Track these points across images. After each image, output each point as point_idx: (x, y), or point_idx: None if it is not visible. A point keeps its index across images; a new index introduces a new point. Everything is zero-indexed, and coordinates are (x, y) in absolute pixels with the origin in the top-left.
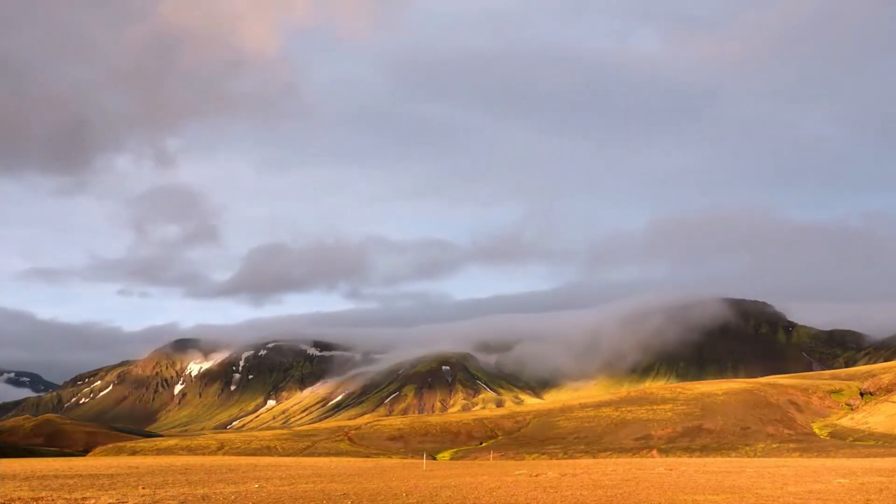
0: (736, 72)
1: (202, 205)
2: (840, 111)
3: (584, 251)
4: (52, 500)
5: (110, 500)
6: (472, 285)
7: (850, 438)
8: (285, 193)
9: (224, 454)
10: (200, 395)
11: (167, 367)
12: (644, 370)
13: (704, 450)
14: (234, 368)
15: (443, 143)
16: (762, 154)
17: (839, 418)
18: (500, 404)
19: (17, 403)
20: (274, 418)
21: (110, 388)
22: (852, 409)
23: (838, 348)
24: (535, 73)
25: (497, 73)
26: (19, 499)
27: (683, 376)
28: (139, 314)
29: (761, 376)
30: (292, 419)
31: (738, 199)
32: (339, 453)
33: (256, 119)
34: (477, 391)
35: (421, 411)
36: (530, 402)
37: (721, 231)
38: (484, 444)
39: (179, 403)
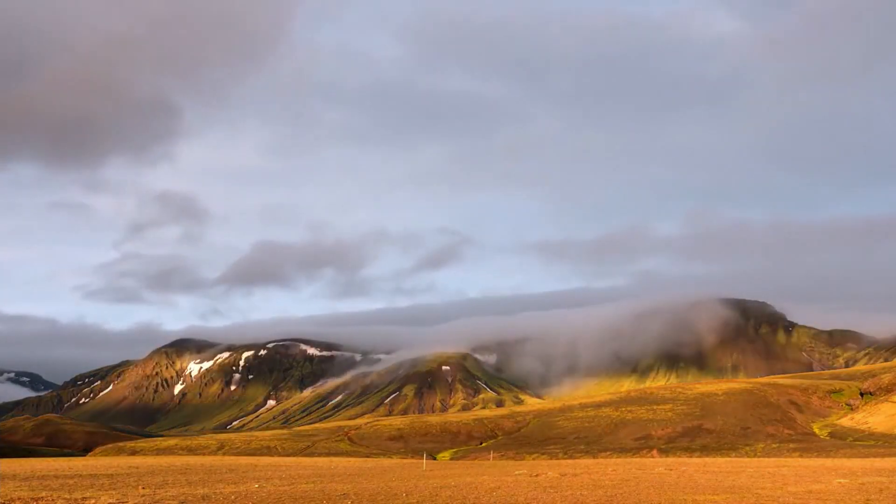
0: (763, 54)
1: (201, 197)
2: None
3: (586, 249)
4: (52, 500)
5: (110, 500)
6: (475, 282)
7: (850, 438)
8: (287, 180)
9: (224, 454)
10: (200, 395)
11: (167, 367)
12: (644, 370)
13: (704, 450)
14: (234, 368)
15: (459, 122)
16: (772, 148)
17: (839, 418)
18: (500, 404)
19: (17, 403)
20: (274, 418)
21: (110, 388)
22: (852, 409)
23: (838, 348)
24: (561, 46)
25: (520, 45)
26: (19, 499)
27: (683, 376)
28: (140, 314)
29: (761, 376)
30: (292, 419)
31: (752, 199)
32: (339, 453)
33: (257, 97)
34: (477, 391)
35: (421, 411)
36: (530, 401)
37: (735, 237)
38: (484, 444)
39: (179, 403)
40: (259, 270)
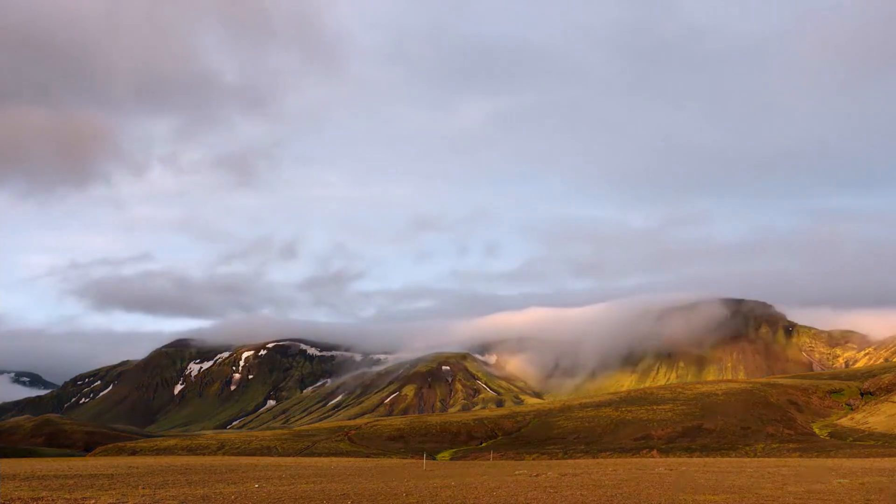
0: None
1: (200, 188)
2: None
3: (598, 243)
4: (52, 500)
5: (110, 500)
6: (476, 278)
7: (850, 438)
8: (290, 154)
9: (224, 454)
10: (200, 395)
11: (167, 367)
12: (644, 370)
13: (704, 450)
14: (234, 368)
15: (495, 78)
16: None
17: (839, 418)
18: (500, 404)
19: (17, 403)
20: (274, 418)
21: (110, 388)
22: (852, 409)
23: (838, 348)
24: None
25: None
26: (19, 499)
27: (683, 376)
28: (137, 314)
29: (761, 376)
30: (292, 419)
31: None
32: (339, 453)
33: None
34: (477, 391)
35: (421, 411)
36: (530, 401)
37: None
38: (484, 444)
39: (179, 403)
40: (258, 264)
